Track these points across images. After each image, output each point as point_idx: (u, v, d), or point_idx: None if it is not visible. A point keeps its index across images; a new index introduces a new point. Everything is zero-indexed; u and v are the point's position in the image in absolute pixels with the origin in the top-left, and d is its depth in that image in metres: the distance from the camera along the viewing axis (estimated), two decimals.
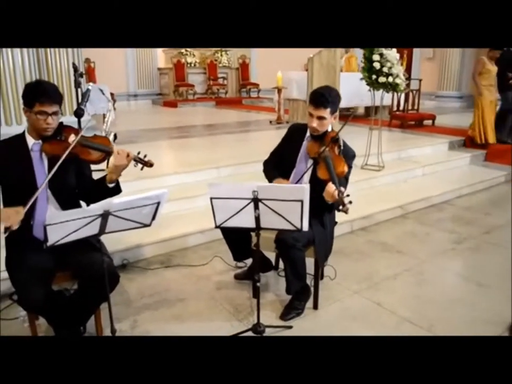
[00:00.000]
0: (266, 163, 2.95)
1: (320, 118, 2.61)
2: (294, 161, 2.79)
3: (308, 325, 2.67)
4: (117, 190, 2.34)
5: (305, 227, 2.17)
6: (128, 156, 2.23)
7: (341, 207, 2.20)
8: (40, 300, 2.09)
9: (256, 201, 2.12)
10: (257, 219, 2.18)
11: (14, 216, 2.03)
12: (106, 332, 2.53)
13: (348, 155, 2.68)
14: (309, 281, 2.84)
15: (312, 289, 2.85)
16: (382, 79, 4.99)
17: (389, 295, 2.99)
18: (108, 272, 2.13)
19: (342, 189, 2.26)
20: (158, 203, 2.02)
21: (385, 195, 4.85)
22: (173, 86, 12.25)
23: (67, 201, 2.32)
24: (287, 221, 2.16)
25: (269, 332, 2.51)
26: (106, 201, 1.87)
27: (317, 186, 2.36)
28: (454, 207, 4.86)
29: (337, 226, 2.97)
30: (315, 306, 2.84)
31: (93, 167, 2.43)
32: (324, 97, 2.59)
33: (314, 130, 2.66)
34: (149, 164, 2.30)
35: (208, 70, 12.97)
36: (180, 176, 4.54)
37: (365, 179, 5.08)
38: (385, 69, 4.97)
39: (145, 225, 2.09)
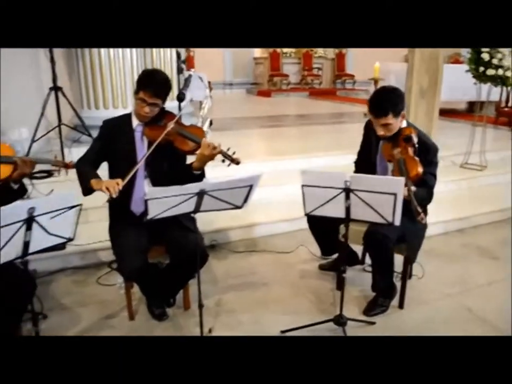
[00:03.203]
0: (355, 164, 2.93)
1: (385, 125, 2.47)
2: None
3: (392, 323, 2.59)
4: (200, 178, 2.38)
5: (397, 221, 2.10)
6: (215, 148, 2.26)
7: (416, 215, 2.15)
8: (137, 269, 2.26)
9: (348, 191, 2.09)
10: (348, 210, 2.15)
11: (114, 186, 2.18)
12: (194, 307, 2.67)
13: (429, 151, 2.52)
14: (396, 279, 2.76)
15: (398, 287, 2.76)
16: (490, 72, 4.63)
17: (481, 302, 2.80)
18: (199, 250, 2.24)
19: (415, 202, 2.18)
20: (251, 186, 2.06)
21: (486, 197, 4.51)
22: (267, 76, 12.38)
23: (159, 183, 2.44)
24: (378, 213, 2.10)
25: (350, 325, 2.48)
26: (204, 181, 1.95)
27: None
28: None
29: (429, 226, 2.83)
30: (400, 306, 2.74)
31: None
32: (381, 105, 2.45)
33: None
34: (236, 162, 2.30)
35: (303, 60, 12.92)
36: (270, 164, 4.59)
37: (464, 178, 4.78)
38: (495, 61, 4.59)
39: (237, 207, 2.15)
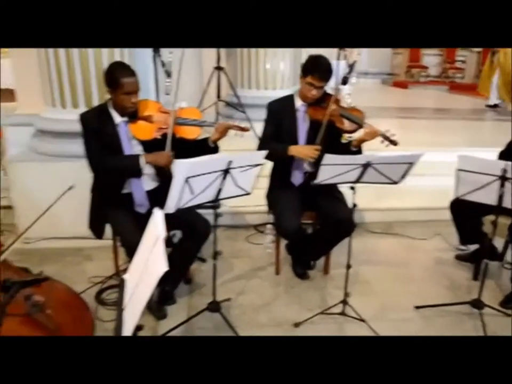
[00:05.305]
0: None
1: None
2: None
3: None
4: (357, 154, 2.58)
5: None
6: (375, 132, 2.47)
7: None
8: (293, 228, 2.58)
9: (504, 179, 2.16)
10: (501, 198, 2.22)
11: (313, 153, 2.55)
12: (332, 273, 2.94)
13: None
14: None
15: None
16: None
17: None
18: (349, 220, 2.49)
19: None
20: (412, 163, 2.23)
21: None
22: (405, 67, 12.03)
23: (318, 160, 2.68)
24: None
25: (486, 312, 2.53)
26: (370, 154, 2.17)
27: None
28: None
29: None
30: None
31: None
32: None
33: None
34: (394, 143, 2.48)
35: (446, 53, 12.29)
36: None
37: None
38: None
39: (394, 182, 2.33)
